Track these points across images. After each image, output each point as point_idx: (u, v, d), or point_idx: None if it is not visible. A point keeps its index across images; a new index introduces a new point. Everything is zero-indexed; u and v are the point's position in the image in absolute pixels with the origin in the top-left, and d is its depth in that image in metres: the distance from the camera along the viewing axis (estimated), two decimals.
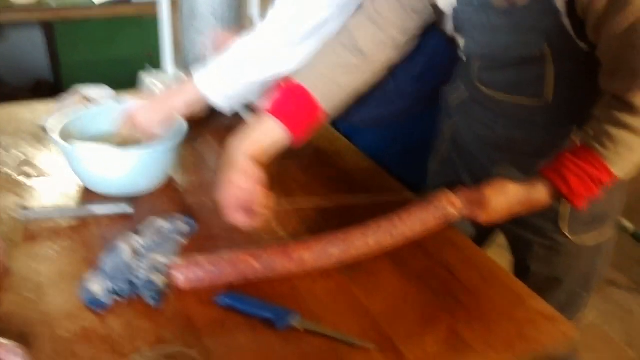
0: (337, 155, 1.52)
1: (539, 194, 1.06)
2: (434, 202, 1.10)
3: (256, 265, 1.02)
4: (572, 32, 0.99)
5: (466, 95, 1.28)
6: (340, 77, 1.16)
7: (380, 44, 1.18)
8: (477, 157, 1.28)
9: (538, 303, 1.02)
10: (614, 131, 0.98)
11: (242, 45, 1.26)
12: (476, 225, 1.35)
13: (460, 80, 1.31)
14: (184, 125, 1.32)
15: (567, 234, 1.20)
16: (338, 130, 1.62)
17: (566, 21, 0.98)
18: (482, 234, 1.40)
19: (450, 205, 1.09)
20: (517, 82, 1.13)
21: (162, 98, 1.33)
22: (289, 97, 1.15)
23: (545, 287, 1.05)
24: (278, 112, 1.13)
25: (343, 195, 1.31)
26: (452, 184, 1.24)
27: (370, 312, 0.98)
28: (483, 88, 1.20)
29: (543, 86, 1.09)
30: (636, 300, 2.55)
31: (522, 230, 1.27)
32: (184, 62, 1.72)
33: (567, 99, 1.08)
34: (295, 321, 0.93)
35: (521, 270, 1.33)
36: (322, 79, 1.16)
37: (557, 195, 1.05)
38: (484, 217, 1.09)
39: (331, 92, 1.16)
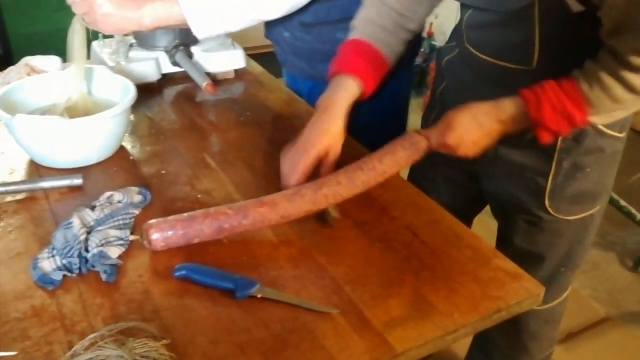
0: (296, 118, 1.48)
1: (507, 108, 1.02)
2: (406, 137, 1.08)
3: (229, 212, 0.99)
4: None
5: (457, 56, 1.26)
6: (392, 29, 1.17)
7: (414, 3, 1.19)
8: None
9: (502, 261, 1.01)
10: (606, 78, 0.95)
11: None
12: (464, 195, 1.35)
13: (454, 41, 1.29)
14: (133, 91, 1.26)
15: (550, 210, 1.19)
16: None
17: None
18: (466, 211, 1.40)
19: (417, 135, 1.07)
20: (503, 45, 1.11)
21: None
22: (357, 54, 1.14)
23: (527, 262, 1.03)
24: (351, 68, 1.13)
25: None
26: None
27: (333, 277, 0.96)
28: (471, 49, 1.18)
29: (528, 51, 1.06)
30: (602, 255, 2.60)
31: (506, 203, 1.25)
32: None
33: (551, 66, 1.05)
34: (256, 290, 0.90)
35: (504, 242, 1.32)
36: (380, 32, 1.17)
37: (525, 118, 1.01)
38: (452, 139, 1.03)
39: (390, 42, 1.17)
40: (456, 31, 1.29)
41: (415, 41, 1.51)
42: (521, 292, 0.95)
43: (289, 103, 1.56)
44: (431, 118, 1.38)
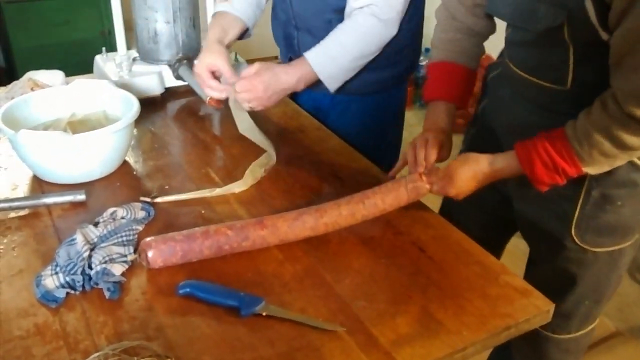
0: (300, 132, 1.47)
1: (503, 164, 1.08)
2: (406, 177, 1.12)
3: (229, 233, 0.99)
4: (593, 18, 0.95)
5: (500, 73, 1.27)
6: (464, 42, 1.28)
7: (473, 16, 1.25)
8: (502, 143, 1.25)
9: (511, 278, 1.00)
10: (597, 136, 0.97)
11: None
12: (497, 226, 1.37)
13: (499, 58, 1.30)
14: (137, 105, 1.25)
15: (575, 239, 1.16)
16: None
17: (589, 4, 0.94)
18: (504, 232, 1.40)
19: (420, 180, 1.11)
20: (539, 64, 1.11)
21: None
22: (441, 77, 1.29)
23: (551, 289, 1.01)
24: (439, 94, 1.28)
25: (311, 178, 1.28)
26: None
27: (339, 294, 0.95)
28: (511, 65, 1.19)
29: (563, 72, 1.06)
30: None
31: (534, 227, 1.23)
32: (136, 41, 1.65)
33: (586, 88, 1.05)
34: (261, 308, 0.89)
35: (533, 265, 1.30)
36: (456, 48, 1.28)
37: (520, 171, 1.05)
38: (452, 190, 1.10)
39: (468, 53, 1.29)
40: (502, 50, 1.30)
41: (410, 60, 1.57)
42: (530, 308, 0.94)
43: (293, 117, 1.55)
44: (470, 133, 1.39)
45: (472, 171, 1.10)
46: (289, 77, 1.35)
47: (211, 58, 1.38)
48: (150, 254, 0.96)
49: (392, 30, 1.38)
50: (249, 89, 1.33)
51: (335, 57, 1.36)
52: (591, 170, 1.02)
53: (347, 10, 1.37)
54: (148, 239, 0.98)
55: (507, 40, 1.21)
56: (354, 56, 1.37)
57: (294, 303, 0.93)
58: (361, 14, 1.34)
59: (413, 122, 3.85)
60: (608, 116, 0.95)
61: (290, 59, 1.51)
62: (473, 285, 0.98)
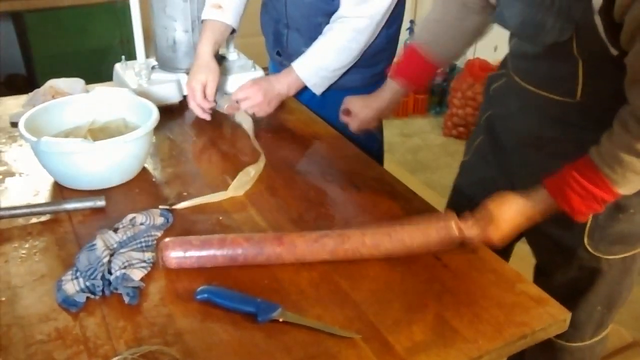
0: (315, 139, 1.49)
1: (542, 205, 1.04)
2: (441, 218, 1.05)
3: (245, 244, 1.00)
4: (602, 33, 0.95)
5: (505, 84, 1.27)
6: (450, 30, 1.33)
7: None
8: (510, 155, 1.25)
9: (527, 286, 1.00)
10: (624, 156, 0.95)
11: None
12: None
13: (503, 69, 1.29)
14: (156, 113, 1.27)
15: (589, 248, 1.16)
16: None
17: (597, 19, 0.94)
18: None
19: (456, 228, 1.03)
20: (547, 77, 1.11)
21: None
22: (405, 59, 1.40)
23: (564, 298, 1.01)
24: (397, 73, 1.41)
25: (327, 185, 1.29)
26: (484, 182, 1.23)
27: (355, 301, 0.95)
28: (516, 78, 1.18)
29: (572, 84, 1.06)
30: None
31: (546, 239, 1.23)
32: (155, 50, 1.67)
33: (596, 100, 1.05)
34: (278, 314, 0.90)
35: (543, 276, 1.30)
36: (434, 35, 1.36)
37: (558, 209, 1.03)
38: (496, 234, 1.04)
39: (443, 45, 1.36)
40: (504, 61, 1.30)
41: (389, 60, 1.69)
42: (546, 317, 0.94)
43: (308, 124, 1.56)
44: (475, 144, 1.39)
45: (514, 214, 1.04)
46: (281, 84, 1.54)
47: (208, 76, 1.51)
48: (166, 254, 0.98)
49: (370, 39, 1.55)
50: (250, 96, 1.50)
51: (319, 68, 1.54)
52: (626, 190, 1.00)
53: (334, 17, 1.52)
54: (167, 239, 1.00)
55: (512, 53, 1.21)
56: (335, 67, 1.55)
57: (310, 310, 0.93)
58: (342, 28, 1.51)
59: (427, 129, 3.85)
60: (632, 136, 0.94)
61: (278, 53, 1.72)
62: (488, 293, 0.98)
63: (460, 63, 3.71)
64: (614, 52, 0.97)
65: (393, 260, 1.04)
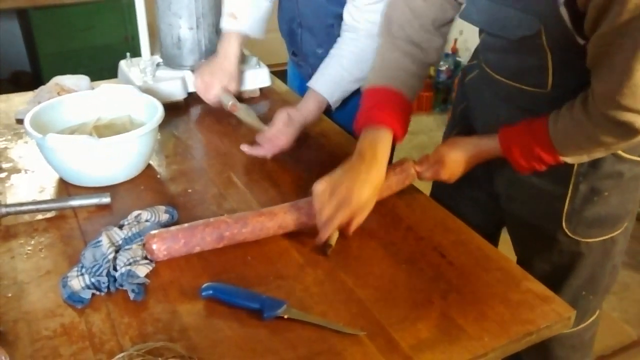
0: (322, 137, 1.48)
1: (489, 146, 1.14)
2: (397, 164, 1.20)
3: (229, 220, 1.03)
4: (569, 24, 0.96)
5: (477, 76, 1.27)
6: (409, 67, 1.19)
7: (427, 33, 1.19)
8: None
9: (532, 284, 1.00)
10: (575, 131, 1.01)
11: None
12: (485, 217, 1.36)
13: (475, 60, 1.30)
14: (161, 110, 1.27)
15: (568, 232, 1.17)
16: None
17: (563, 11, 0.95)
18: (491, 230, 1.39)
19: (408, 164, 1.19)
20: (518, 69, 1.12)
21: None
22: (384, 103, 1.15)
23: (547, 285, 1.02)
24: (383, 120, 1.12)
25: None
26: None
27: (359, 298, 0.95)
28: (487, 70, 1.19)
29: (543, 75, 1.07)
30: (632, 276, 2.54)
31: (525, 226, 1.24)
32: (160, 47, 1.67)
33: (567, 89, 1.05)
34: (283, 311, 0.90)
35: (524, 265, 1.28)
36: (400, 75, 1.19)
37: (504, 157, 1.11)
38: (445, 174, 1.17)
39: (409, 83, 1.19)
40: (476, 51, 1.30)
41: None
42: (551, 315, 0.93)
43: (314, 122, 1.55)
44: (451, 135, 1.37)
45: (461, 154, 1.16)
46: (312, 114, 1.43)
47: (231, 85, 1.54)
48: (154, 244, 1.00)
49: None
50: (280, 145, 1.35)
51: (339, 82, 1.45)
52: (569, 160, 1.06)
53: (345, 26, 1.44)
54: (153, 231, 1.02)
55: (482, 46, 1.21)
56: (356, 77, 1.45)
57: (315, 307, 0.93)
58: (358, 38, 1.42)
59: (432, 126, 3.85)
60: (586, 113, 0.98)
61: (294, 53, 1.68)
62: (494, 290, 0.98)
63: (464, 60, 3.70)
64: (581, 41, 0.98)
65: (399, 257, 1.04)
